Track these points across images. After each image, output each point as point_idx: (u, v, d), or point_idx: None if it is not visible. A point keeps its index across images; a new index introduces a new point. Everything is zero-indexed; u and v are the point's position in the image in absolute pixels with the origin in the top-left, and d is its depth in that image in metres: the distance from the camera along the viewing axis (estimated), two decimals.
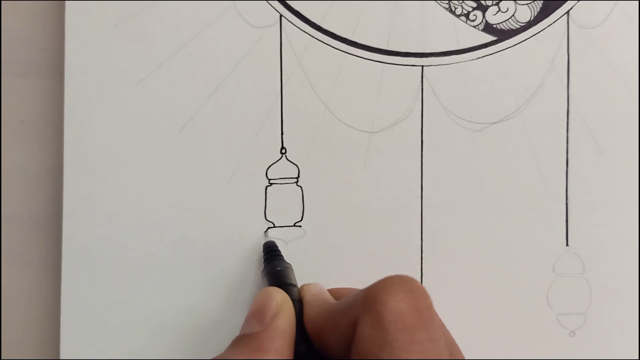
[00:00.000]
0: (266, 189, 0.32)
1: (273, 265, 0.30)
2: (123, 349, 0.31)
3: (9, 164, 0.32)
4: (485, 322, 0.33)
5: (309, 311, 0.26)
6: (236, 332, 0.31)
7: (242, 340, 0.24)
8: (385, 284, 0.22)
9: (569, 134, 0.34)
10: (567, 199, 0.34)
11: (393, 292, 0.22)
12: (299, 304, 0.26)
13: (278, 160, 0.32)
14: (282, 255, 0.31)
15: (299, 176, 0.32)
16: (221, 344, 0.31)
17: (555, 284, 0.33)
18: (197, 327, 0.31)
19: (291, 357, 0.24)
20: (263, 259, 0.31)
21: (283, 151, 0.32)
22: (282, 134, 0.32)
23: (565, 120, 0.34)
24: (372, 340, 0.21)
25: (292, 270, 0.30)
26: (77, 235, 0.31)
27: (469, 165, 0.33)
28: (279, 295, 0.26)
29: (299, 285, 0.29)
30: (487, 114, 0.33)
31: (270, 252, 0.31)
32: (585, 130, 0.34)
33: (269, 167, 0.32)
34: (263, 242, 0.32)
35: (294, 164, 0.32)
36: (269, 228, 0.32)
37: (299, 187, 0.32)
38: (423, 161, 0.33)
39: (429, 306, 0.22)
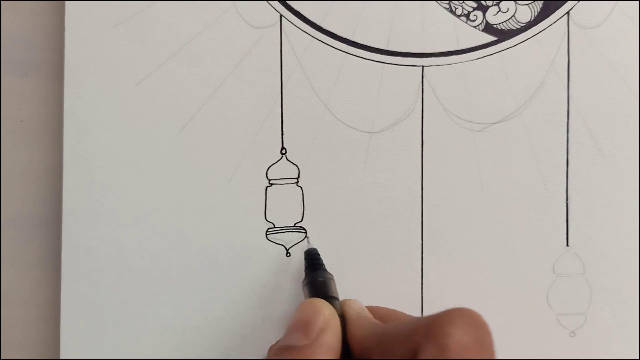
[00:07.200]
0: (266, 190, 0.32)
1: (315, 276, 0.29)
2: (123, 349, 0.31)
3: (9, 164, 0.32)
4: None
5: (354, 329, 0.25)
6: (234, 332, 0.32)
7: (286, 351, 0.24)
8: (450, 316, 0.22)
9: (569, 134, 0.34)
10: (567, 199, 0.34)
11: (458, 325, 0.22)
12: (341, 319, 0.26)
13: (278, 160, 0.32)
14: (324, 265, 0.30)
15: (299, 176, 0.32)
16: (220, 344, 0.31)
17: (555, 284, 0.33)
18: (196, 327, 0.31)
19: None
20: (304, 267, 0.30)
21: (283, 151, 0.32)
22: (282, 134, 0.32)
23: (565, 120, 0.34)
24: None
25: (334, 281, 0.29)
26: (77, 235, 0.31)
27: (469, 165, 0.33)
28: (327, 310, 0.25)
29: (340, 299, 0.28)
30: (487, 114, 0.33)
31: (312, 261, 0.30)
32: (585, 130, 0.34)
33: (269, 167, 0.32)
34: (305, 249, 0.31)
35: (294, 164, 0.32)
36: (306, 237, 0.32)
37: (299, 188, 0.32)
38: (423, 161, 0.33)
39: (492, 343, 0.22)
